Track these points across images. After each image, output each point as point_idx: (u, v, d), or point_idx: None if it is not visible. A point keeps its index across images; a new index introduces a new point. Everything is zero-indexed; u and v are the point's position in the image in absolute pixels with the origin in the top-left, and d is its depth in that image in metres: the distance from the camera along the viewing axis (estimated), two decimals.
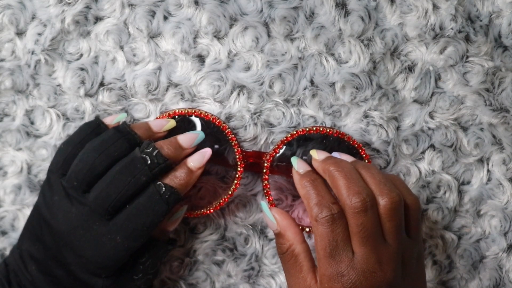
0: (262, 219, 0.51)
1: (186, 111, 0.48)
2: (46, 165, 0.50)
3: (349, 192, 0.40)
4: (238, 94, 0.49)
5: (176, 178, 0.43)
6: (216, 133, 0.48)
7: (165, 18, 0.49)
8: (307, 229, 0.48)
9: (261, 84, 0.49)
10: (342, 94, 0.49)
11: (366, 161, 0.48)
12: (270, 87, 0.49)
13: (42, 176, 0.51)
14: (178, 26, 0.49)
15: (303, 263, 0.42)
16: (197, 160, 0.44)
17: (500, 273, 0.52)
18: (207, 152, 0.45)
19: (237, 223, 0.51)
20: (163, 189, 0.42)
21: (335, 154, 0.46)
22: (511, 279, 0.52)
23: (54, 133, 0.50)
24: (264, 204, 0.46)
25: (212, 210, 0.48)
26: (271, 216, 0.45)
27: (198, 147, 0.46)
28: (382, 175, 0.42)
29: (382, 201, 0.40)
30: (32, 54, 0.49)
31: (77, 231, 0.41)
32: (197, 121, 0.48)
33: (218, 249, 0.51)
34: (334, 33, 0.49)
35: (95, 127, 0.45)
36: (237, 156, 0.47)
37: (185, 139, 0.45)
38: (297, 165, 0.45)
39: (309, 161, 0.46)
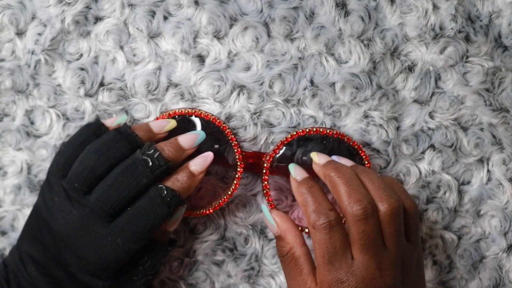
0: (262, 219, 0.51)
1: (186, 111, 0.48)
2: (46, 165, 0.50)
3: (350, 200, 0.40)
4: (238, 94, 0.49)
5: (178, 181, 0.43)
6: (216, 133, 0.48)
7: (165, 18, 0.49)
8: (307, 230, 0.48)
9: (261, 84, 0.49)
10: (342, 94, 0.49)
11: (366, 162, 0.48)
12: (270, 87, 0.49)
13: (42, 176, 0.51)
14: (178, 26, 0.49)
15: (303, 266, 0.42)
16: (199, 164, 0.44)
17: (500, 273, 0.52)
18: (209, 156, 0.45)
19: (237, 223, 0.51)
20: (165, 192, 0.42)
21: (334, 158, 0.46)
22: (511, 279, 0.52)
23: (54, 133, 0.50)
24: (264, 207, 0.46)
25: (212, 210, 0.48)
26: (271, 219, 0.45)
27: (199, 147, 0.46)
28: (381, 180, 0.42)
29: (382, 207, 0.40)
30: (32, 54, 0.49)
31: (77, 233, 0.41)
32: (197, 121, 0.48)
33: (218, 249, 0.51)
34: (334, 33, 0.49)
35: (96, 129, 0.45)
36: (237, 157, 0.47)
37: (186, 139, 0.45)
38: (295, 172, 0.45)
39: (309, 161, 0.46)
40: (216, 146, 0.48)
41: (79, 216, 0.41)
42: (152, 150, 0.42)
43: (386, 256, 0.40)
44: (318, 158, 0.45)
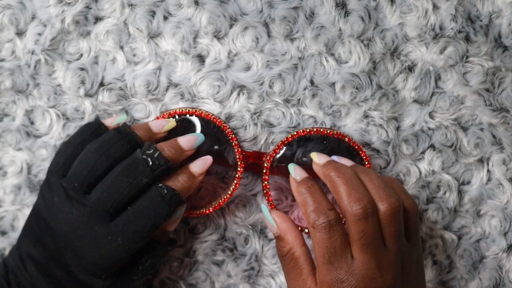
0: (262, 219, 0.51)
1: (187, 111, 0.48)
2: (46, 165, 0.50)
3: (350, 199, 0.40)
4: (238, 94, 0.49)
5: (178, 181, 0.43)
6: (217, 133, 0.48)
7: (165, 18, 0.49)
8: (306, 230, 0.48)
9: (261, 84, 0.49)
10: (342, 94, 0.49)
11: (366, 162, 0.48)
12: (270, 87, 0.49)
13: (42, 176, 0.51)
14: (178, 26, 0.49)
15: (303, 266, 0.42)
16: (199, 166, 0.44)
17: (500, 273, 0.52)
18: (208, 159, 0.45)
19: (237, 223, 0.51)
20: (165, 191, 0.42)
21: (334, 158, 0.46)
22: (511, 279, 0.52)
23: (54, 133, 0.50)
24: (264, 207, 0.46)
25: (211, 210, 0.48)
26: (271, 219, 0.45)
27: (198, 148, 0.46)
28: (381, 180, 0.42)
29: (382, 207, 0.40)
30: (32, 54, 0.49)
31: (77, 232, 0.41)
32: (197, 120, 0.48)
33: (218, 249, 0.51)
34: (334, 33, 0.49)
35: (95, 129, 0.45)
36: (237, 156, 0.47)
37: (186, 141, 0.45)
38: (294, 172, 0.45)
39: (309, 162, 0.46)
40: (216, 145, 0.48)
41: (79, 216, 0.41)
42: (152, 150, 0.42)
43: (386, 255, 0.40)
44: (318, 158, 0.45)
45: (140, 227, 0.41)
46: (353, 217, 0.40)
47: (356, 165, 0.46)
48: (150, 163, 0.42)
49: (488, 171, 0.51)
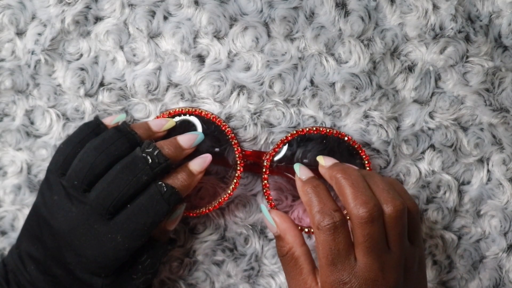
0: (262, 219, 0.51)
1: (187, 110, 0.48)
2: (46, 165, 0.50)
3: (356, 202, 0.40)
4: (238, 94, 0.49)
5: (178, 179, 0.43)
6: (216, 133, 0.48)
7: (165, 18, 0.49)
8: (306, 229, 0.48)
9: (261, 84, 0.49)
10: (342, 94, 0.49)
11: (366, 162, 0.48)
12: (270, 87, 0.49)
13: (42, 176, 0.51)
14: (178, 26, 0.49)
15: (303, 266, 0.42)
16: (199, 164, 0.44)
17: (500, 273, 0.52)
18: (208, 157, 0.45)
19: (237, 223, 0.51)
20: (164, 188, 0.42)
21: None
22: (511, 279, 0.52)
23: (54, 133, 0.50)
24: (263, 207, 0.46)
25: (211, 209, 0.48)
26: (270, 219, 0.45)
27: (198, 147, 0.46)
28: (385, 182, 0.42)
29: (387, 209, 0.40)
30: (32, 54, 0.49)
31: (77, 231, 0.41)
32: (197, 120, 0.48)
33: (218, 249, 0.51)
34: (334, 33, 0.49)
35: (94, 127, 0.45)
36: (237, 156, 0.47)
37: (185, 139, 0.45)
38: (300, 171, 0.45)
39: (309, 162, 0.46)
40: (216, 145, 0.48)
41: (78, 214, 0.41)
42: (152, 148, 0.42)
43: (389, 258, 0.40)
44: (324, 161, 0.45)
45: (139, 225, 0.41)
46: (358, 220, 0.39)
47: (359, 169, 0.46)
48: (150, 161, 0.42)
49: (488, 171, 0.51)
